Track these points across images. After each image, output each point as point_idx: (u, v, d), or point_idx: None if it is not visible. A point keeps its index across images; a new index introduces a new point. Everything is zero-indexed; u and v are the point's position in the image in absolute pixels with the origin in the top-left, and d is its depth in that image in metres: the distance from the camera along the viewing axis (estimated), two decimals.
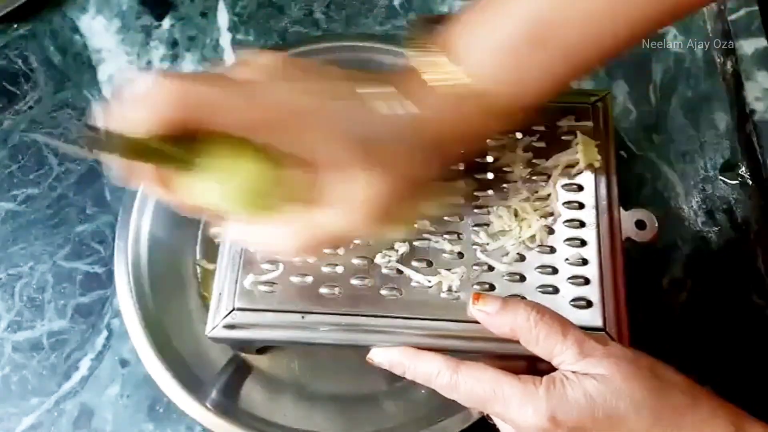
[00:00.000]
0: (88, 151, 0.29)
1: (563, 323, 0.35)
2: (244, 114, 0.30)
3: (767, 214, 0.52)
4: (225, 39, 0.61)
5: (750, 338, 0.49)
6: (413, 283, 0.39)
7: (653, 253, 0.52)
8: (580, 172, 0.42)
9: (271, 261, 0.40)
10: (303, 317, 0.38)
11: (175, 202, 0.33)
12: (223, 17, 0.61)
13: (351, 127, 0.32)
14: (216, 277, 0.40)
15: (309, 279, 0.39)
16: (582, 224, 0.41)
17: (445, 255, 0.40)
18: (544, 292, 0.39)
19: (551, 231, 0.40)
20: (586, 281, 0.39)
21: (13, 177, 0.55)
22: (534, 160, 0.42)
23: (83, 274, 0.52)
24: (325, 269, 0.40)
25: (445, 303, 0.39)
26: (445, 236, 0.40)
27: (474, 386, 0.35)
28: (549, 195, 0.41)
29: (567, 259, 0.40)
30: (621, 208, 0.41)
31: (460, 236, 0.40)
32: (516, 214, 0.41)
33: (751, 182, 0.54)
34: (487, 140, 0.43)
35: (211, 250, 0.51)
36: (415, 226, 0.40)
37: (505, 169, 0.42)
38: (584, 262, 0.40)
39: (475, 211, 0.41)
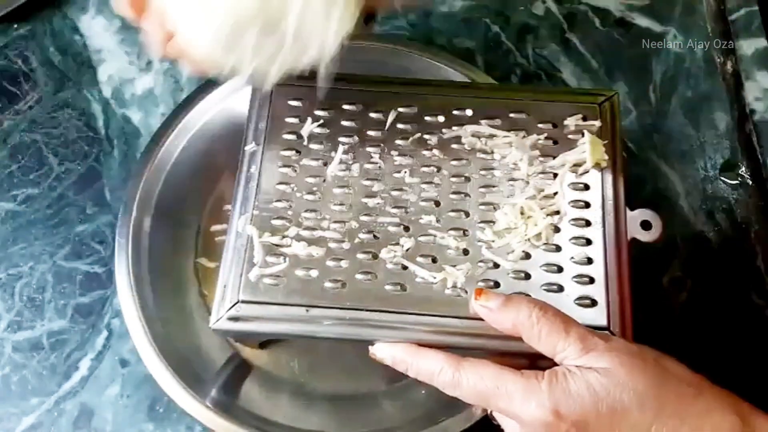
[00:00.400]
0: None
1: (566, 320, 0.35)
2: None
3: (767, 214, 0.52)
4: None
5: (750, 338, 0.49)
6: (418, 279, 0.39)
7: (653, 253, 0.52)
8: (586, 172, 0.42)
9: (277, 254, 0.39)
10: (307, 311, 0.38)
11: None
12: None
13: None
14: (221, 269, 0.39)
15: (314, 273, 0.39)
16: (588, 223, 0.41)
17: (450, 251, 0.40)
18: (548, 290, 0.39)
19: (557, 229, 0.40)
20: (591, 280, 0.39)
21: (13, 177, 0.55)
22: (541, 159, 0.42)
23: (83, 274, 0.52)
24: (330, 263, 0.39)
25: (450, 299, 0.39)
26: (450, 232, 0.40)
27: (476, 383, 0.34)
28: (555, 193, 0.41)
29: (572, 258, 0.40)
30: (627, 209, 0.41)
31: (466, 233, 0.40)
32: (522, 212, 0.41)
33: (751, 182, 0.54)
34: (495, 138, 0.43)
35: (211, 248, 0.51)
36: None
37: (511, 166, 0.42)
38: (589, 261, 0.40)
39: (481, 207, 0.41)
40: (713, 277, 0.51)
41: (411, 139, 0.43)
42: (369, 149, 0.43)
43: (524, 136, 0.43)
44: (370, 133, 0.43)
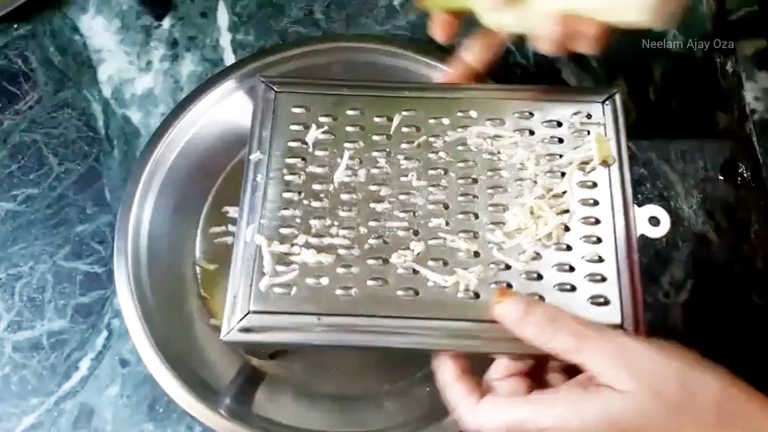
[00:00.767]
0: None
1: (587, 327, 0.34)
2: None
3: (767, 214, 0.52)
4: (225, 39, 0.61)
5: (750, 338, 0.49)
6: (429, 283, 0.39)
7: (653, 253, 0.52)
8: (594, 169, 0.42)
9: (286, 263, 0.39)
10: (319, 319, 0.38)
11: None
12: (223, 17, 0.61)
13: None
14: (230, 280, 0.39)
15: (324, 281, 0.39)
16: (597, 221, 0.40)
17: (460, 254, 0.40)
18: (561, 290, 0.39)
19: (567, 228, 0.40)
20: (603, 279, 0.39)
21: (13, 177, 0.55)
22: (548, 158, 0.42)
23: (83, 274, 0.52)
24: (341, 270, 0.39)
25: (463, 303, 0.38)
26: (460, 235, 0.40)
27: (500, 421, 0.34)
28: (564, 192, 0.41)
29: (584, 257, 0.39)
30: (635, 205, 0.41)
31: (476, 235, 0.40)
32: (532, 212, 0.40)
33: (751, 182, 0.54)
34: (500, 139, 0.43)
35: (210, 250, 0.51)
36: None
37: (518, 166, 0.42)
38: (600, 259, 0.39)
39: (491, 209, 0.41)
40: (713, 277, 0.51)
41: (416, 142, 0.43)
42: (374, 154, 0.43)
43: (530, 136, 0.43)
44: (375, 137, 0.43)
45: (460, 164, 0.42)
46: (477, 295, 0.38)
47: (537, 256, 0.39)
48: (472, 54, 0.45)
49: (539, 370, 0.38)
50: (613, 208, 0.41)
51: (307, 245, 0.40)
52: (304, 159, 0.43)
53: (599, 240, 0.40)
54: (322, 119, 0.44)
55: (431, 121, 0.44)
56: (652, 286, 0.50)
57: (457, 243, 0.40)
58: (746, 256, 0.52)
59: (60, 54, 0.60)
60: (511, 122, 0.43)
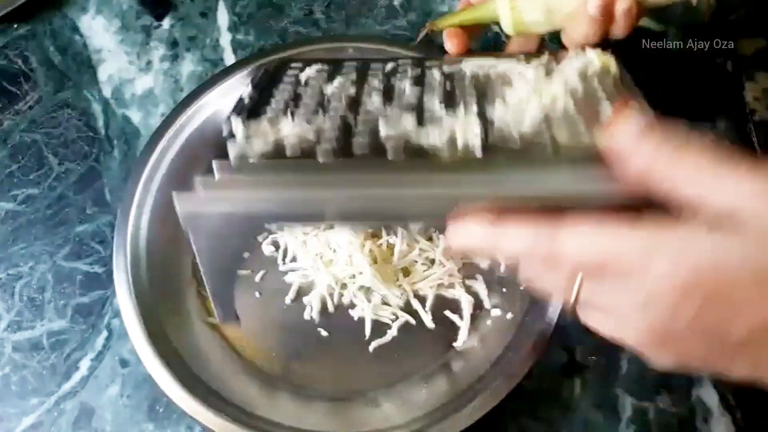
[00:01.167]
0: None
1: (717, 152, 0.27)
2: None
3: None
4: (225, 39, 0.61)
5: None
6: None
7: None
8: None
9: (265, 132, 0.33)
10: (313, 168, 0.31)
11: None
12: (223, 17, 0.62)
13: None
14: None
15: (310, 135, 0.33)
16: None
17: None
18: None
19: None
20: None
21: (13, 177, 0.55)
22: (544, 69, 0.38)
23: (83, 274, 0.52)
24: (327, 125, 0.33)
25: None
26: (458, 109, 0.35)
27: (584, 247, 0.27)
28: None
29: None
30: None
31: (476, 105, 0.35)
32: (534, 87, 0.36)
33: None
34: (495, 67, 0.40)
35: None
36: None
37: (516, 73, 0.39)
38: None
39: (488, 93, 0.37)
40: None
41: (413, 73, 0.39)
42: (372, 79, 0.39)
43: (525, 61, 0.40)
44: (372, 80, 0.39)
45: (456, 78, 0.39)
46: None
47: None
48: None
49: None
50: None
51: (286, 120, 0.34)
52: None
53: None
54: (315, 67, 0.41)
55: (427, 63, 0.41)
56: None
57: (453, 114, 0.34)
58: None
59: (60, 54, 0.60)
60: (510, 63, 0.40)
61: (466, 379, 0.44)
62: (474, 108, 0.35)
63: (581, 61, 0.39)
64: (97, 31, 0.61)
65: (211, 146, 0.34)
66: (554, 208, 0.29)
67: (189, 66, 0.59)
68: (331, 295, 0.49)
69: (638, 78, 0.58)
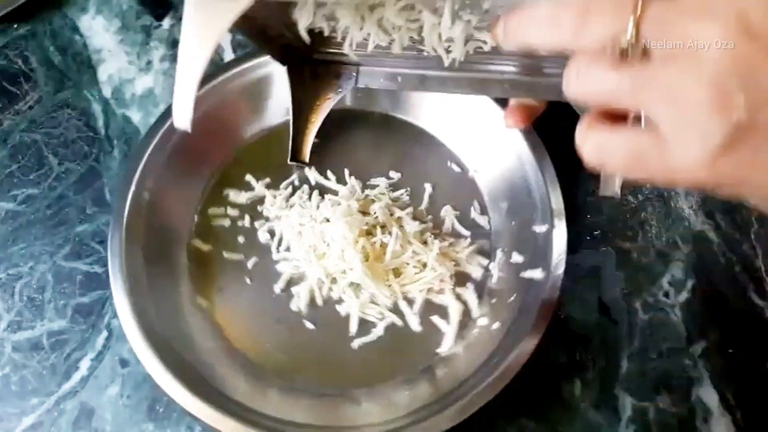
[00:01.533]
0: None
1: None
2: None
3: (767, 214, 0.52)
4: (225, 39, 0.61)
5: (750, 338, 0.49)
6: None
7: (653, 253, 0.52)
8: None
9: None
10: None
11: None
12: None
13: None
14: None
15: None
16: None
17: None
18: None
19: None
20: None
21: (13, 177, 0.55)
22: None
23: (83, 274, 0.52)
24: None
25: None
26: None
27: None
28: None
29: None
30: None
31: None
32: None
33: None
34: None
35: (206, 231, 0.51)
36: None
37: None
38: None
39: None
40: (713, 277, 0.51)
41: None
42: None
43: None
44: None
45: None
46: None
47: None
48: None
49: None
50: None
51: None
52: None
53: None
54: None
55: None
56: (652, 286, 0.50)
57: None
58: (746, 256, 0.52)
59: (60, 54, 0.60)
60: None
61: (448, 385, 0.44)
62: None
63: None
64: (97, 31, 0.61)
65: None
66: None
67: None
68: (321, 289, 0.49)
69: None
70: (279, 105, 0.54)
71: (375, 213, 0.50)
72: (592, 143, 0.29)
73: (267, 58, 0.52)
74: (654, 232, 0.52)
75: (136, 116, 0.57)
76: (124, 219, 0.48)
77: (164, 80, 0.59)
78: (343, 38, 0.47)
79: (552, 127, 0.49)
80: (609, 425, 0.46)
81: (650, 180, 0.28)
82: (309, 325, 0.48)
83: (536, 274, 0.46)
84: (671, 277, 0.51)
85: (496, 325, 0.47)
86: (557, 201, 0.48)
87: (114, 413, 0.47)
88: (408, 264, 0.49)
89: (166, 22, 0.61)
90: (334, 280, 0.49)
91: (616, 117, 0.30)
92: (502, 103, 0.50)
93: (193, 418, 0.43)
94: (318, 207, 0.51)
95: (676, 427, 0.46)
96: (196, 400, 0.42)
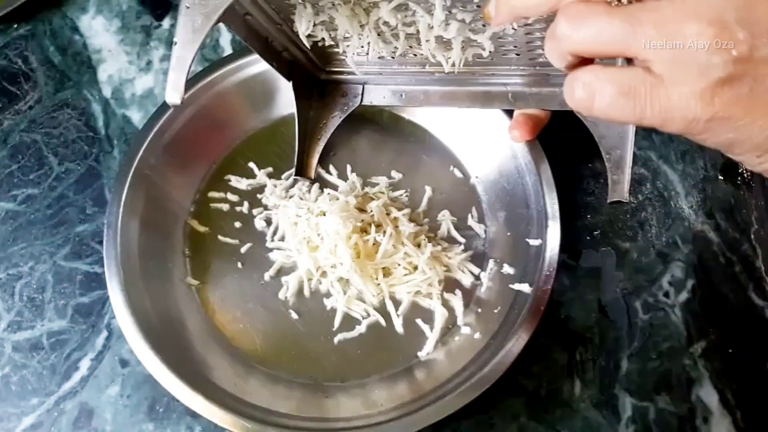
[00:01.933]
0: None
1: None
2: None
3: (767, 214, 0.52)
4: (225, 39, 0.61)
5: (750, 338, 0.49)
6: None
7: (653, 253, 0.52)
8: None
9: None
10: None
11: None
12: None
13: None
14: None
15: None
16: None
17: None
18: None
19: None
20: None
21: (13, 177, 0.55)
22: None
23: (83, 274, 0.52)
24: None
25: None
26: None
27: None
28: None
29: None
30: None
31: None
32: None
33: (751, 182, 0.54)
34: None
35: (205, 213, 0.51)
36: None
37: None
38: None
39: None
40: (713, 277, 0.51)
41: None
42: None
43: None
44: None
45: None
46: None
47: None
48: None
49: None
50: None
51: None
52: None
53: None
54: None
55: None
56: (652, 286, 0.50)
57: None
58: (746, 256, 0.52)
59: (60, 54, 0.60)
60: None
61: (424, 388, 0.44)
62: None
63: None
64: (97, 31, 0.61)
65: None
66: None
67: None
68: (310, 281, 0.49)
69: None
70: (288, 96, 0.53)
71: (371, 211, 0.50)
72: (583, 80, 0.29)
73: (257, 57, 0.52)
74: (654, 232, 0.52)
75: (136, 116, 0.57)
76: (125, 189, 0.49)
77: (164, 80, 0.59)
78: (344, 52, 0.47)
79: (552, 127, 0.49)
80: (609, 425, 0.46)
81: (641, 118, 0.27)
82: (294, 315, 0.49)
83: (525, 288, 0.46)
84: (671, 277, 0.51)
85: (477, 335, 0.47)
86: (554, 215, 0.47)
87: (114, 413, 0.47)
88: (399, 265, 0.49)
89: (166, 22, 0.61)
90: (324, 274, 0.49)
91: None
92: (509, 112, 0.50)
93: (174, 398, 0.42)
94: (316, 200, 0.51)
95: (676, 427, 0.46)
96: (185, 387, 0.43)
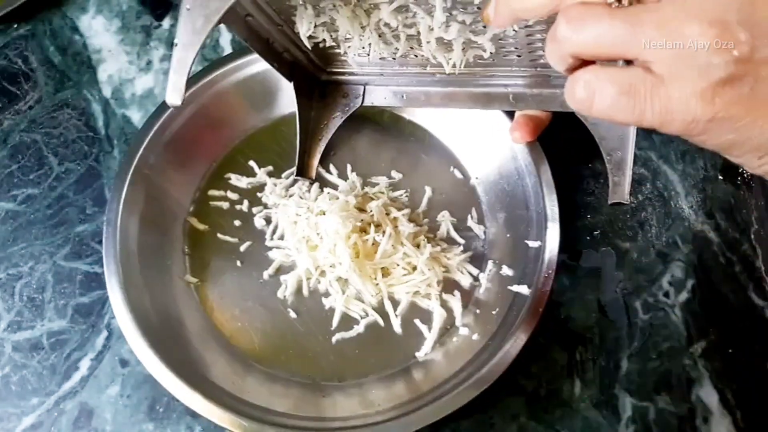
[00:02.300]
0: None
1: None
2: None
3: (767, 214, 0.52)
4: (225, 39, 0.61)
5: (750, 338, 0.49)
6: None
7: (653, 253, 0.52)
8: None
9: None
10: None
11: None
12: None
13: None
14: None
15: None
16: None
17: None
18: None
19: None
20: None
21: (13, 177, 0.55)
22: None
23: (83, 274, 0.52)
24: None
25: None
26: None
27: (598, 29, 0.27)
28: None
29: None
30: None
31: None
32: None
33: (751, 182, 0.54)
34: None
35: (204, 210, 0.51)
36: None
37: None
38: None
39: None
40: (713, 277, 0.51)
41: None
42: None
43: None
44: None
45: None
46: None
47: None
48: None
49: None
50: None
51: None
52: None
53: None
54: None
55: None
56: (652, 286, 0.50)
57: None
58: (746, 256, 0.52)
59: (60, 54, 0.60)
60: None
61: (422, 388, 0.45)
62: None
63: None
64: (97, 31, 0.61)
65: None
66: None
67: None
68: (309, 280, 0.49)
69: None
70: (288, 96, 0.54)
71: (371, 211, 0.50)
72: (583, 80, 0.29)
73: (255, 57, 0.52)
74: (654, 232, 0.52)
75: (136, 116, 0.57)
76: (125, 187, 0.49)
77: (164, 80, 0.59)
78: (346, 53, 0.47)
79: (553, 128, 0.49)
80: (609, 425, 0.46)
81: (642, 117, 0.27)
82: (292, 314, 0.49)
83: (523, 289, 0.46)
84: (671, 277, 0.51)
85: (476, 336, 0.47)
86: (554, 217, 0.47)
87: (114, 413, 0.47)
88: (398, 265, 0.49)
89: (166, 22, 0.61)
90: (322, 273, 0.49)
91: None
92: (509, 113, 0.50)
93: (174, 398, 0.42)
94: (316, 199, 0.51)
95: (676, 427, 0.46)
96: (184, 386, 0.43)
